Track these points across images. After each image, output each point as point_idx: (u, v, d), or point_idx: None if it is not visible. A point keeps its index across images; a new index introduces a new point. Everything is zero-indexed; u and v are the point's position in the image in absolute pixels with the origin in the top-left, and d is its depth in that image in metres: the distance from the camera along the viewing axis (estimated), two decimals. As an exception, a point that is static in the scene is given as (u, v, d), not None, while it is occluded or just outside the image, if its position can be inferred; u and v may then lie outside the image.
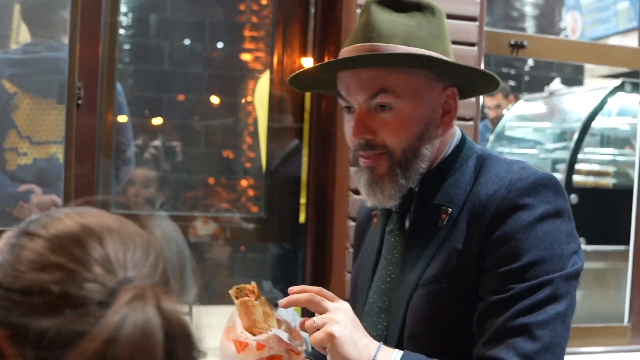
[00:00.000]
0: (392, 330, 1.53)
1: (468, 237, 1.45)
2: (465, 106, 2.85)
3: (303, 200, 3.14)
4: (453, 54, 1.57)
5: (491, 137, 5.00)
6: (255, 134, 4.99)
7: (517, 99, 5.51)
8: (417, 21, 1.51)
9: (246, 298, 1.47)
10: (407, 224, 1.57)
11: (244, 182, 5.52)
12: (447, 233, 1.48)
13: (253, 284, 1.51)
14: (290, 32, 3.16)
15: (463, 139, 1.59)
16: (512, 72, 7.16)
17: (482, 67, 2.99)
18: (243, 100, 5.20)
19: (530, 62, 7.03)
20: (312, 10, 3.08)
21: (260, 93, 3.87)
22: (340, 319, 1.36)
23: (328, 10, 2.99)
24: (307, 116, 3.14)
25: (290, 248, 3.36)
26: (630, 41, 6.15)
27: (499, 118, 5.25)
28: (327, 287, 2.84)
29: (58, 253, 0.74)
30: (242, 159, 5.67)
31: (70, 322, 0.70)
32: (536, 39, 3.16)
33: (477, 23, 2.87)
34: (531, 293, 1.36)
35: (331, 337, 1.33)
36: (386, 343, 1.47)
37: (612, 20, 6.98)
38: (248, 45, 5.56)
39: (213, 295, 4.83)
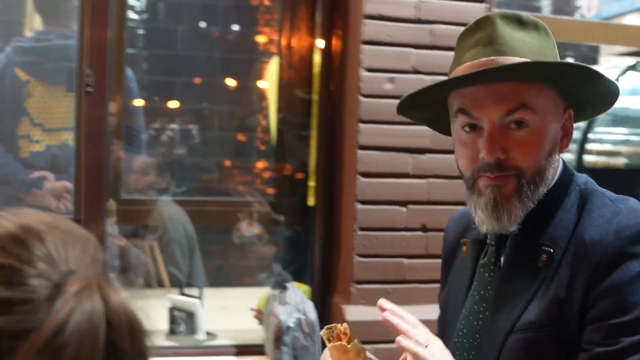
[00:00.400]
0: None
1: (571, 284, 1.34)
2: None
3: (312, 183, 3.16)
4: None
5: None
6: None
7: None
8: (538, 40, 1.43)
9: (339, 343, 1.42)
10: (502, 259, 1.47)
11: (259, 165, 5.54)
12: (547, 276, 1.38)
13: (345, 325, 1.46)
14: (298, 15, 3.17)
15: (565, 169, 1.48)
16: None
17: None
18: (256, 83, 5.20)
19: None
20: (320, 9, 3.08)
21: (270, 76, 3.88)
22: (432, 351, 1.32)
23: (333, 18, 3.00)
24: (315, 97, 3.15)
25: (300, 230, 3.38)
26: (646, 19, 6.08)
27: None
28: (335, 269, 2.88)
29: (1, 254, 0.76)
30: (256, 143, 5.68)
31: (20, 318, 0.72)
32: (548, 20, 3.13)
33: (484, 5, 2.86)
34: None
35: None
36: None
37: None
38: (261, 27, 5.57)
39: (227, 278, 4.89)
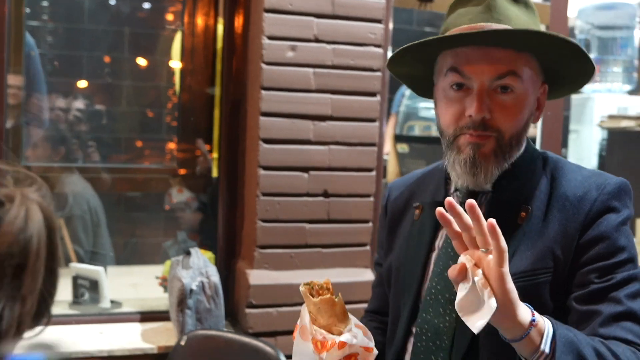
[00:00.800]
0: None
1: (562, 235, 1.48)
2: (371, 79, 2.93)
3: (216, 155, 3.19)
4: None
5: (407, 93, 5.10)
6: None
7: None
8: (528, 16, 1.54)
9: (328, 296, 1.40)
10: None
11: (168, 140, 5.50)
12: (531, 230, 1.50)
13: (327, 279, 1.46)
14: (200, 6, 3.19)
15: (528, 141, 1.61)
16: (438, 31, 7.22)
17: (391, 25, 3.07)
18: (165, 60, 5.16)
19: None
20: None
21: (175, 53, 3.87)
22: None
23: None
24: (219, 66, 3.17)
25: (206, 200, 3.41)
26: None
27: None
28: (239, 235, 2.92)
29: None
30: (165, 119, 5.64)
31: None
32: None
33: (384, -23, 2.94)
34: (630, 282, 1.44)
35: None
36: (456, 334, 1.50)
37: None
38: (169, 2, 5.52)
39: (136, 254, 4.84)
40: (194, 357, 2.54)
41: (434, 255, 1.62)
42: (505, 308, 1.25)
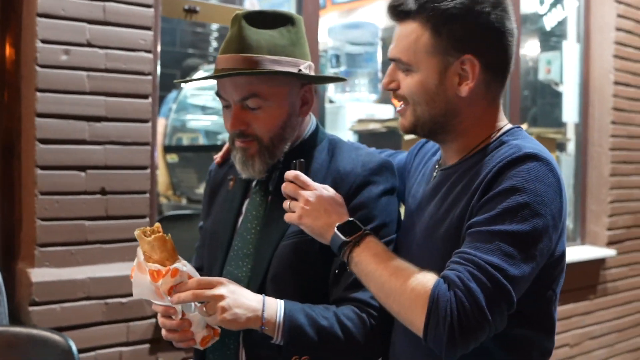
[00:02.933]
0: (257, 273, 1.86)
1: None
2: (142, 82, 3.13)
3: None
4: (309, 54, 1.94)
5: (174, 106, 5.29)
6: None
7: (192, 73, 5.77)
8: (279, 32, 1.86)
9: (161, 234, 1.70)
10: (270, 186, 1.93)
11: None
12: None
13: (158, 224, 1.74)
14: None
15: (317, 126, 1.99)
16: (195, 46, 7.43)
17: (160, 27, 3.27)
18: None
19: (214, 35, 7.38)
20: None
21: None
22: (223, 292, 1.66)
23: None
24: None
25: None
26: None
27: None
28: (18, 235, 2.96)
29: None
30: None
31: None
32: (207, 5, 3.51)
33: (151, -14, 3.14)
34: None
35: (222, 309, 1.63)
36: (250, 282, 1.84)
37: (284, 6, 7.58)
38: None
39: None
40: (-21, 354, 2.55)
41: (241, 218, 1.97)
42: (234, 326, 1.69)
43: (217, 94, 1.91)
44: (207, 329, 1.77)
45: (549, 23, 5.58)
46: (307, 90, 1.93)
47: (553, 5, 5.52)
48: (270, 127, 1.86)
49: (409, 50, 1.66)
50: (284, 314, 1.70)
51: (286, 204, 1.76)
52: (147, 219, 3.14)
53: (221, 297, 1.64)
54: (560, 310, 5.02)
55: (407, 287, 1.52)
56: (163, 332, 1.78)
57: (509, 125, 1.73)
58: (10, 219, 3.09)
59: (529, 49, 6.03)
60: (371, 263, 1.61)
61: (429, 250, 1.65)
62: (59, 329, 2.82)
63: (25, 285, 2.90)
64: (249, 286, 1.81)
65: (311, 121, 2.00)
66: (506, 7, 1.66)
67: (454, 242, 1.58)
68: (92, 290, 2.96)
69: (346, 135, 5.36)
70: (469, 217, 1.56)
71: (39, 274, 2.89)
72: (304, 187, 1.73)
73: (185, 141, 5.41)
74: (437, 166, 1.81)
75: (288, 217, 1.74)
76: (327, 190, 1.75)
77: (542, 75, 5.78)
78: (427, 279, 1.51)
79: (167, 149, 5.22)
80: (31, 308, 2.85)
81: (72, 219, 2.98)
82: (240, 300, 1.67)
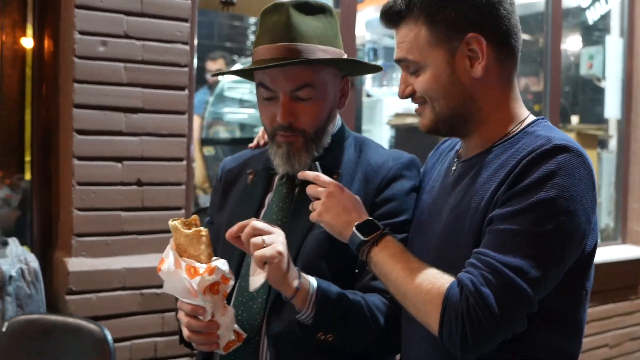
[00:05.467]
0: None
1: (363, 192, 1.82)
2: (179, 74, 3.13)
3: (28, 158, 3.23)
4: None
5: (211, 99, 5.31)
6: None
7: (234, 62, 5.80)
8: (323, 23, 1.84)
9: (199, 228, 1.60)
10: (296, 180, 1.86)
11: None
12: None
13: (195, 216, 1.65)
14: (9, 3, 3.22)
15: (342, 122, 1.98)
16: (232, 40, 7.46)
17: (197, 19, 3.28)
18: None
19: (252, 29, 7.39)
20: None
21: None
22: (284, 241, 1.63)
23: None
24: (28, 71, 3.23)
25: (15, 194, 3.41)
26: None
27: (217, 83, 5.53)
28: (55, 225, 2.99)
29: None
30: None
31: None
32: (244, -3, 3.51)
33: (189, -23, 3.15)
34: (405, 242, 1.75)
35: (280, 254, 1.58)
36: (272, 287, 1.75)
37: None
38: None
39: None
40: (17, 342, 2.58)
41: (263, 211, 1.93)
42: (274, 277, 1.61)
43: (262, 85, 1.85)
44: (234, 333, 1.71)
45: (591, 17, 5.48)
46: (345, 82, 1.94)
47: (596, -2, 5.43)
48: (317, 119, 1.84)
49: (412, 49, 1.62)
50: (317, 286, 1.69)
51: (311, 205, 1.75)
52: (183, 211, 3.15)
53: (282, 243, 1.62)
54: (600, 310, 4.94)
55: (422, 290, 1.50)
56: (185, 332, 1.69)
57: (533, 117, 1.68)
58: (48, 209, 3.12)
59: (570, 43, 5.93)
60: (388, 263, 1.59)
61: (451, 245, 1.61)
62: (94, 318, 2.84)
63: (62, 274, 2.93)
64: (270, 289, 1.79)
65: (337, 118, 1.99)
66: None
67: (477, 235, 1.54)
68: (127, 280, 2.98)
69: (383, 129, 5.34)
70: (492, 209, 1.52)
71: (75, 264, 2.91)
72: (324, 186, 1.73)
73: (222, 134, 5.43)
74: (456, 159, 1.77)
75: (311, 216, 1.73)
76: (346, 190, 1.74)
77: (583, 71, 5.69)
78: (441, 282, 1.49)
79: (204, 142, 5.24)
80: (68, 297, 2.88)
81: (109, 209, 3.00)
82: (289, 260, 1.65)
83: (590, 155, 5.19)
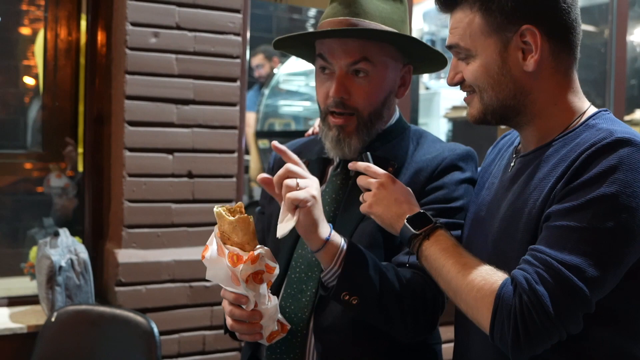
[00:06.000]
0: None
1: (413, 181, 1.77)
2: (231, 65, 3.10)
3: (81, 150, 3.26)
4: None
5: (266, 92, 5.29)
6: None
7: (281, 61, 5.72)
8: (391, 6, 1.80)
9: (244, 215, 1.56)
10: (351, 171, 1.80)
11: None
12: None
13: (240, 203, 1.61)
14: (63, 1, 3.25)
15: (400, 115, 1.92)
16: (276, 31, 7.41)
17: (249, 10, 3.25)
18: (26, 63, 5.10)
19: (310, 22, 7.35)
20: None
21: (39, 52, 3.87)
22: (318, 187, 1.59)
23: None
24: (82, 60, 3.25)
25: (73, 183, 3.44)
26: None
27: (266, 77, 5.50)
28: (106, 216, 3.00)
29: None
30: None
31: None
32: (298, -12, 3.47)
33: (241, -30, 3.12)
34: (454, 228, 1.71)
35: (313, 197, 1.54)
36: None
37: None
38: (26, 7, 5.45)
39: None
40: (66, 332, 2.60)
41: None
42: (305, 224, 1.55)
43: (320, 56, 1.80)
44: (277, 324, 1.68)
45: (659, 7, 5.27)
46: (407, 70, 1.88)
47: (665, -13, 5.21)
48: (371, 100, 1.79)
49: (465, 35, 1.56)
50: (348, 244, 1.63)
51: (362, 196, 1.70)
52: (234, 203, 3.13)
53: (317, 189, 1.58)
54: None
55: (475, 286, 1.44)
56: (228, 321, 1.67)
57: (594, 109, 1.59)
58: (100, 200, 3.14)
59: (637, 34, 5.72)
60: (440, 258, 1.53)
61: (508, 242, 1.54)
62: (143, 310, 2.84)
63: (112, 265, 2.94)
64: (322, 270, 1.74)
65: (396, 109, 1.93)
66: None
67: (533, 231, 1.47)
68: (176, 272, 2.98)
69: (440, 122, 5.24)
70: (549, 205, 1.44)
71: (125, 255, 2.92)
72: (376, 177, 1.68)
73: (278, 127, 5.40)
74: (514, 154, 1.70)
75: (362, 207, 1.68)
76: (398, 181, 1.69)
77: (651, 63, 5.48)
78: (494, 279, 1.42)
79: (259, 134, 5.22)
80: (117, 288, 2.88)
81: (159, 201, 3.00)
82: (321, 208, 1.61)
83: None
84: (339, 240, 1.61)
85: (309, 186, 1.56)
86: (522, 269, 1.39)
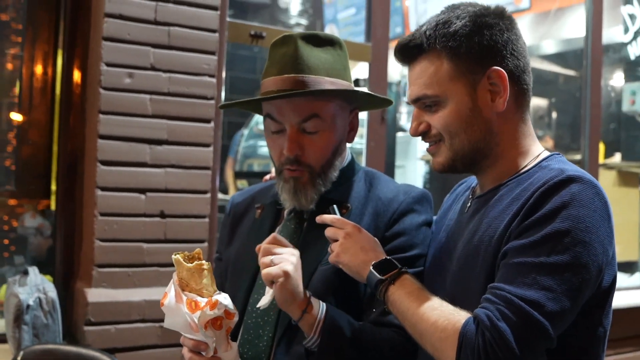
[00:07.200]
0: None
1: (373, 227, 1.80)
2: (205, 106, 3.14)
3: (54, 187, 3.26)
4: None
5: (245, 132, 5.33)
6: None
7: None
8: (332, 55, 1.83)
9: (201, 262, 1.60)
10: (305, 214, 1.88)
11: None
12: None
13: (199, 250, 1.64)
14: (40, 22, 3.28)
15: (352, 157, 1.96)
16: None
17: (225, 52, 3.29)
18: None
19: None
20: (62, 14, 3.23)
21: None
22: (293, 261, 1.64)
23: (75, 16, 3.16)
24: (57, 100, 3.27)
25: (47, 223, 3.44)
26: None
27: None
28: (77, 255, 2.99)
29: None
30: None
31: None
32: (273, 31, 3.51)
33: (218, 12, 3.16)
34: (418, 276, 1.70)
35: (286, 274, 1.60)
36: (282, 312, 1.75)
37: (364, 33, 7.65)
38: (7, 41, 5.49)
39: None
40: (31, 371, 2.58)
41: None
42: (280, 297, 1.62)
43: (269, 116, 1.83)
44: None
45: (633, 52, 5.38)
46: (354, 115, 1.92)
47: (638, 33, 5.32)
48: (324, 153, 1.83)
49: (432, 83, 1.60)
50: (325, 312, 1.66)
51: (330, 247, 1.73)
52: (206, 244, 3.14)
53: (291, 263, 1.63)
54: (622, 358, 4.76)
55: (438, 327, 1.47)
56: None
57: (547, 152, 1.66)
58: (71, 239, 3.13)
59: (612, 79, 5.82)
60: (405, 301, 1.56)
61: (466, 280, 1.58)
62: (113, 350, 2.83)
63: (81, 304, 2.93)
64: (279, 315, 1.77)
65: (348, 152, 1.96)
66: (510, 16, 1.64)
67: (491, 268, 1.51)
68: (147, 312, 2.96)
69: (417, 164, 5.28)
70: (505, 242, 1.49)
71: (95, 294, 2.91)
72: (342, 227, 1.71)
73: (256, 167, 5.44)
74: (471, 196, 1.74)
75: (330, 257, 1.72)
76: (364, 231, 1.72)
77: (626, 107, 5.56)
78: (457, 319, 1.45)
79: (237, 175, 5.26)
80: (86, 327, 2.87)
81: (131, 240, 3.00)
82: (299, 279, 1.65)
83: (632, 193, 5.09)
84: (318, 310, 1.66)
85: (284, 261, 1.62)
86: (484, 307, 1.42)
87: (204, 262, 1.60)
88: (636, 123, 5.63)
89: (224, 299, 1.58)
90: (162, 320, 2.93)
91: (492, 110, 1.60)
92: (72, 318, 3.03)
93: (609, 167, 5.28)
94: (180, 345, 2.95)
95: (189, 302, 1.57)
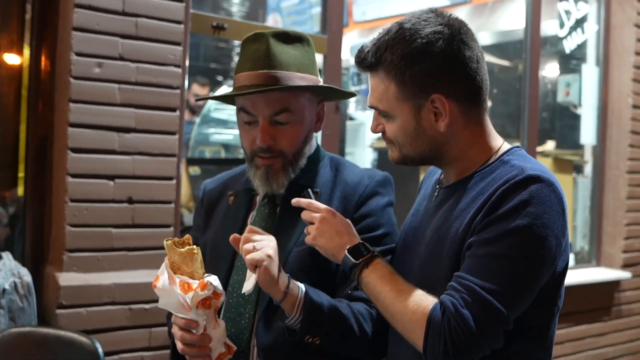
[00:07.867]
0: None
1: (342, 209, 1.93)
2: (171, 95, 3.24)
3: (21, 174, 3.30)
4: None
5: (197, 120, 5.40)
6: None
7: (215, 87, 5.80)
8: (300, 52, 1.98)
9: (192, 247, 1.72)
10: (277, 199, 2.02)
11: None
12: None
13: (188, 235, 1.77)
14: (9, 12, 3.31)
15: (317, 144, 2.11)
16: (218, 61, 7.53)
17: (189, 43, 3.38)
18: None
19: (236, 50, 7.47)
20: (30, 7, 3.26)
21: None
22: (273, 246, 1.76)
23: (44, 6, 3.20)
24: (24, 91, 3.30)
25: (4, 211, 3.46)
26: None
27: (199, 105, 5.60)
28: (47, 240, 3.06)
29: None
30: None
31: None
32: (235, 23, 3.62)
33: (183, 4, 3.25)
34: (386, 254, 1.88)
35: (269, 257, 1.72)
36: (261, 291, 1.88)
37: (307, 23, 7.74)
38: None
39: None
40: (10, 354, 2.64)
41: (246, 230, 1.99)
42: (264, 280, 1.74)
43: (243, 110, 1.98)
44: (224, 346, 1.81)
45: (568, 46, 5.64)
46: (321, 107, 2.08)
47: (573, 28, 5.59)
48: (295, 142, 1.98)
49: (383, 100, 1.71)
50: (305, 291, 1.81)
51: (306, 229, 1.87)
52: (172, 229, 3.24)
53: (272, 247, 1.76)
54: (574, 331, 5.06)
55: (409, 310, 1.63)
56: (179, 345, 1.80)
57: (508, 145, 1.79)
58: (41, 225, 3.19)
59: (548, 71, 6.09)
60: (377, 285, 1.71)
61: (433, 266, 1.73)
62: (84, 332, 2.90)
63: (53, 288, 3.00)
64: (259, 293, 1.91)
65: (314, 139, 2.12)
66: (463, 37, 1.69)
67: (456, 257, 1.67)
68: (117, 295, 3.06)
69: (366, 151, 5.45)
70: (470, 234, 1.64)
71: (67, 278, 2.98)
72: (318, 212, 1.84)
73: (208, 154, 5.52)
74: (437, 185, 1.88)
75: (307, 239, 1.85)
76: (338, 215, 1.85)
77: (560, 98, 5.83)
78: (425, 304, 1.62)
79: (190, 161, 5.32)
80: (58, 311, 2.94)
81: (100, 226, 3.08)
82: (279, 264, 1.78)
83: (566, 179, 5.36)
84: (297, 290, 1.80)
85: (265, 247, 1.74)
86: (449, 295, 1.59)
87: (194, 246, 1.73)
88: (570, 113, 5.90)
89: (214, 280, 1.72)
90: (131, 303, 3.08)
91: (436, 130, 1.70)
92: (44, 302, 3.09)
93: (545, 154, 5.55)
94: (148, 327, 3.10)
95: (182, 284, 1.71)
